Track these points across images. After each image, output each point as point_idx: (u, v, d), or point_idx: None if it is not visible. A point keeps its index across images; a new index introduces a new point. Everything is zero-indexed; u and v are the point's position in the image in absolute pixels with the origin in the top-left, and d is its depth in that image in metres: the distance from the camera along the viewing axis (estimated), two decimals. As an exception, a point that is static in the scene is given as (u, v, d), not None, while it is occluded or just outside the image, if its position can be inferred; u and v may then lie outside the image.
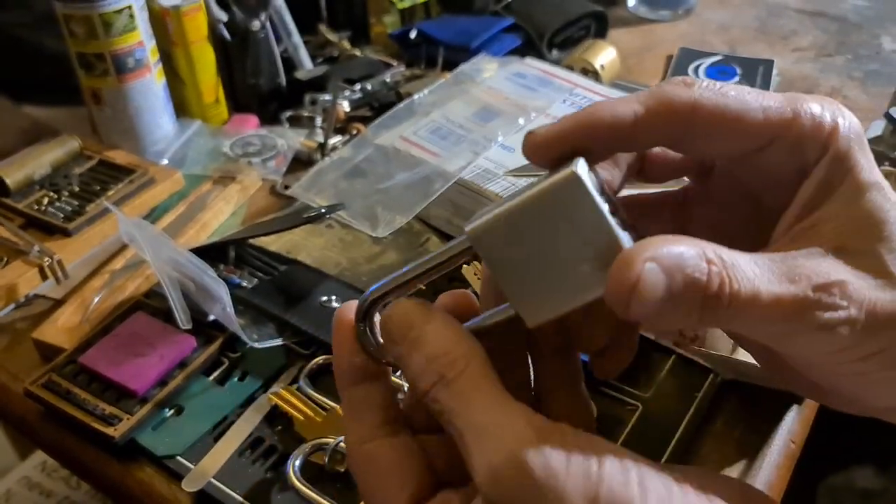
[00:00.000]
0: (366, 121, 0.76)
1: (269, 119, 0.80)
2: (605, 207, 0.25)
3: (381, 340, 0.30)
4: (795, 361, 0.28)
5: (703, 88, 0.27)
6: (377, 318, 0.30)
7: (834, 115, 0.27)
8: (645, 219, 0.33)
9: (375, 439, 0.29)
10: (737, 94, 0.27)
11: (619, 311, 0.23)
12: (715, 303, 0.24)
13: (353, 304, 0.30)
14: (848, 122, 0.27)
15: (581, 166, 0.26)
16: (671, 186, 0.34)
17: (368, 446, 0.29)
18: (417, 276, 0.29)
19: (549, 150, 0.27)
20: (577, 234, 0.25)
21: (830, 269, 0.25)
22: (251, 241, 0.63)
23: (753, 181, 0.30)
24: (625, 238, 0.25)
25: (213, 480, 0.46)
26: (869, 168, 0.27)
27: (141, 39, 0.69)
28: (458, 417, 0.25)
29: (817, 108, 0.27)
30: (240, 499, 0.45)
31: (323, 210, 0.60)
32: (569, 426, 0.24)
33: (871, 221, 0.26)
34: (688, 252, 0.23)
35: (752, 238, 0.29)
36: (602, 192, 0.26)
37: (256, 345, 0.53)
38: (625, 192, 0.33)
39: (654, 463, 0.25)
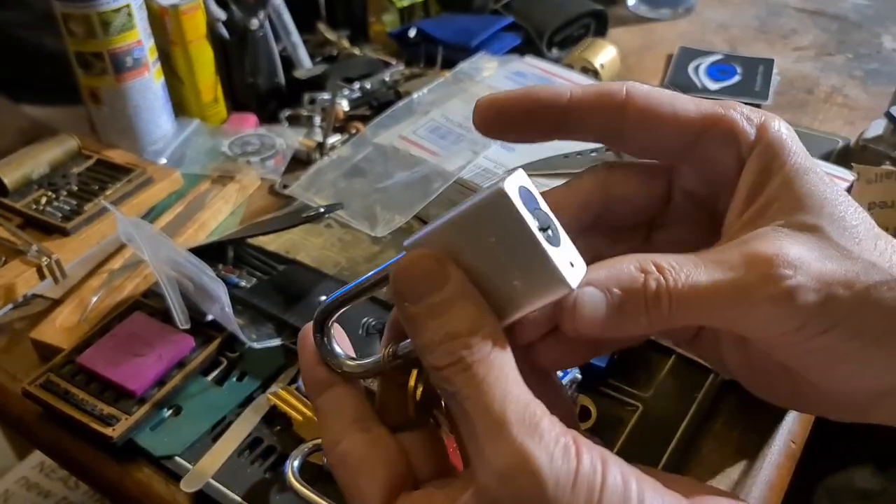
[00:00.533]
0: (365, 120, 0.76)
1: (267, 118, 0.80)
2: (532, 224, 0.25)
3: (338, 350, 0.30)
4: (771, 351, 0.28)
5: (635, 84, 0.29)
6: (334, 329, 0.30)
7: (762, 114, 0.29)
8: (612, 243, 0.33)
9: (345, 439, 0.29)
10: (669, 92, 0.30)
11: (569, 331, 0.26)
12: (657, 303, 0.25)
13: None
14: (777, 119, 0.29)
15: (510, 182, 0.25)
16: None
17: (339, 447, 0.29)
18: (369, 286, 0.29)
19: (490, 117, 0.31)
20: (506, 249, 0.25)
21: (777, 245, 0.26)
22: (250, 240, 0.63)
23: (700, 185, 0.31)
24: (553, 254, 0.25)
25: (211, 481, 0.46)
26: (804, 154, 0.29)
27: (139, 38, 0.69)
28: (473, 405, 0.24)
29: (746, 109, 0.29)
30: (238, 499, 0.45)
31: (322, 209, 0.60)
32: (580, 434, 0.24)
33: (813, 200, 0.27)
34: (620, 267, 0.26)
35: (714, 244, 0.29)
36: (534, 209, 0.25)
37: (255, 345, 0.53)
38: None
39: (656, 473, 0.25)
